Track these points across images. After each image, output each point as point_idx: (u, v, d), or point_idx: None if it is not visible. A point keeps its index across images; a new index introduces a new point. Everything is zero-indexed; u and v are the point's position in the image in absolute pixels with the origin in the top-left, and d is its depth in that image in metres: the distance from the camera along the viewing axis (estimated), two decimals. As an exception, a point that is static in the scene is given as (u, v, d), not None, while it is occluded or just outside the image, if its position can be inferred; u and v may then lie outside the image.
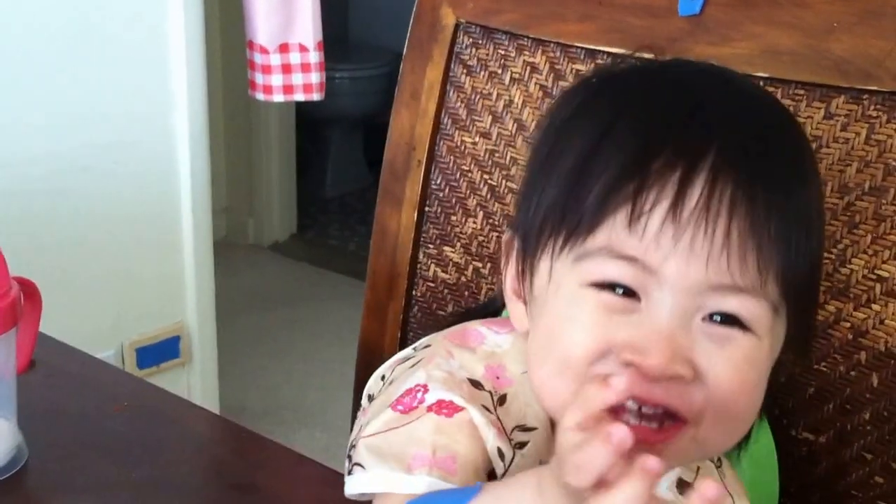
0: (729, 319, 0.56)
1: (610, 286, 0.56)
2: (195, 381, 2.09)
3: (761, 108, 0.61)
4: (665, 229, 0.54)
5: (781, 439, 0.80)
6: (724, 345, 0.56)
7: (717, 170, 0.55)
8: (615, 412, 0.55)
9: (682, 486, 0.65)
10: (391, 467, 0.59)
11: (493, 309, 0.76)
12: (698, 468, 0.66)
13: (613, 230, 0.55)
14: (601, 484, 0.46)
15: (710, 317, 0.56)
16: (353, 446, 0.63)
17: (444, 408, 0.60)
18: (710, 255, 0.54)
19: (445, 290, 0.98)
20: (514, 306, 0.64)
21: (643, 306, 0.56)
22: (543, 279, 0.60)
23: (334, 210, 3.48)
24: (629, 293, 0.56)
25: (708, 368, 0.55)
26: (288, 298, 2.89)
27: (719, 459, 0.68)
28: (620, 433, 0.46)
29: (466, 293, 0.97)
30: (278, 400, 2.42)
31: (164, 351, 2.01)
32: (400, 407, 0.62)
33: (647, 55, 0.68)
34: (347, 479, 0.62)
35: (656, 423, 0.56)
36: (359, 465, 0.61)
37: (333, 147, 3.55)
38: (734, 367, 0.56)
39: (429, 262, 0.99)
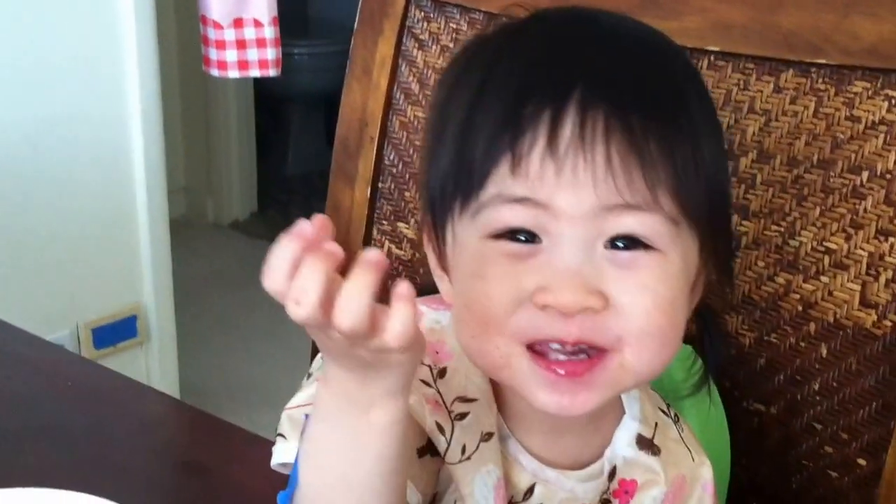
0: (630, 243, 0.57)
1: (509, 234, 0.57)
2: (153, 362, 2.07)
3: (632, 40, 0.61)
4: (546, 166, 0.56)
5: (732, 411, 0.81)
6: (631, 268, 0.57)
7: (586, 103, 0.56)
8: (541, 354, 0.57)
9: (642, 442, 0.66)
10: None
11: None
12: (657, 424, 0.67)
13: (500, 179, 0.57)
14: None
15: (612, 244, 0.57)
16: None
17: None
18: (595, 179, 0.55)
19: (400, 267, 0.98)
20: (441, 282, 0.65)
21: (545, 247, 0.57)
22: (451, 245, 0.61)
23: (295, 188, 3.45)
24: (530, 238, 0.57)
25: (618, 295, 0.56)
26: (248, 277, 2.84)
27: (676, 416, 0.69)
28: (373, 254, 0.47)
29: (421, 269, 0.96)
30: (239, 380, 2.41)
31: (120, 331, 1.99)
32: None
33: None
34: (273, 450, 0.62)
35: (585, 356, 0.57)
36: (281, 435, 0.62)
37: (294, 124, 3.52)
38: (644, 287, 0.56)
39: (383, 238, 0.98)
